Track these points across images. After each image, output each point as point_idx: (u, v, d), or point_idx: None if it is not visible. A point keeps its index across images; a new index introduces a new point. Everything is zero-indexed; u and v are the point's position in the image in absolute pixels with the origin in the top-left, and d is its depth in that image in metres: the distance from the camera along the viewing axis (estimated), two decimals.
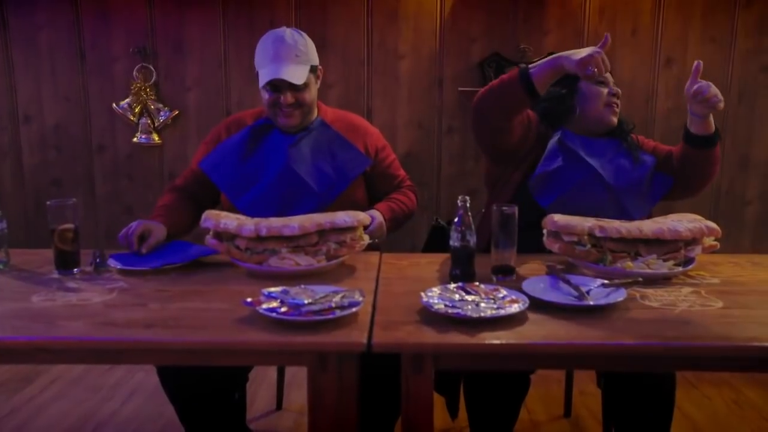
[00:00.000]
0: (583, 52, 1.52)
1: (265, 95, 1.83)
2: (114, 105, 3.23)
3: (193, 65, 3.22)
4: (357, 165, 1.90)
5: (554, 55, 1.60)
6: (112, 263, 1.56)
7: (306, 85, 1.82)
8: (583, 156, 1.81)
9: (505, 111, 1.69)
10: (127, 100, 3.22)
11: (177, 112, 3.25)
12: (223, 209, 1.83)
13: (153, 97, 3.22)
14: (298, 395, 2.45)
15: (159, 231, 1.71)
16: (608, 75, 1.84)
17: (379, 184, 1.99)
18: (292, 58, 1.79)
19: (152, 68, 3.20)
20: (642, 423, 1.63)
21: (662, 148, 1.94)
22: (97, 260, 1.58)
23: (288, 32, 1.82)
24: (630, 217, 1.73)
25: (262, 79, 1.80)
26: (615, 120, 1.87)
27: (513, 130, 1.76)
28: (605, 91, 1.85)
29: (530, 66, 1.62)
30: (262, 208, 1.77)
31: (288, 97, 1.81)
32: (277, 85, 1.79)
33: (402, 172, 2.06)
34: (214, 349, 1.15)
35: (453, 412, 1.94)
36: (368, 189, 1.98)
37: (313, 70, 1.86)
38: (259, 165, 1.87)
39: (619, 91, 1.88)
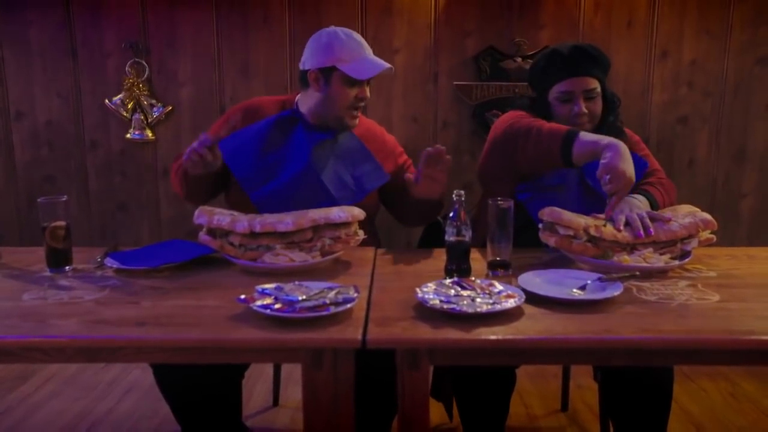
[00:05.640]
0: (621, 190, 1.48)
1: (345, 91, 1.76)
2: (106, 101, 3.20)
3: (185, 60, 3.18)
4: (375, 179, 1.85)
5: (608, 144, 1.49)
6: (110, 262, 1.53)
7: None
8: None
9: (533, 164, 1.71)
10: (120, 95, 3.19)
11: (170, 108, 3.21)
12: (231, 198, 1.81)
13: (146, 93, 3.18)
14: (294, 391, 2.44)
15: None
16: (594, 86, 1.75)
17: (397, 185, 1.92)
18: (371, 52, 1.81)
19: (145, 63, 3.17)
20: (640, 416, 1.63)
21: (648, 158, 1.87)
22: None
23: None
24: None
25: (363, 72, 1.74)
26: None
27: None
28: (571, 109, 1.75)
29: (576, 138, 1.56)
30: (276, 204, 1.69)
31: (367, 91, 1.80)
32: (358, 81, 1.76)
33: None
34: (207, 347, 1.14)
35: (450, 415, 1.94)
36: (381, 191, 1.92)
37: None
38: (280, 160, 1.79)
39: (593, 108, 1.76)
